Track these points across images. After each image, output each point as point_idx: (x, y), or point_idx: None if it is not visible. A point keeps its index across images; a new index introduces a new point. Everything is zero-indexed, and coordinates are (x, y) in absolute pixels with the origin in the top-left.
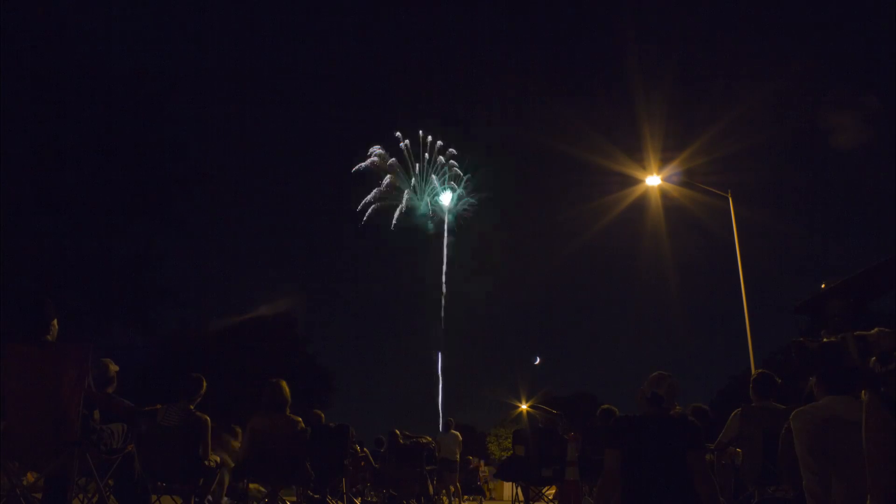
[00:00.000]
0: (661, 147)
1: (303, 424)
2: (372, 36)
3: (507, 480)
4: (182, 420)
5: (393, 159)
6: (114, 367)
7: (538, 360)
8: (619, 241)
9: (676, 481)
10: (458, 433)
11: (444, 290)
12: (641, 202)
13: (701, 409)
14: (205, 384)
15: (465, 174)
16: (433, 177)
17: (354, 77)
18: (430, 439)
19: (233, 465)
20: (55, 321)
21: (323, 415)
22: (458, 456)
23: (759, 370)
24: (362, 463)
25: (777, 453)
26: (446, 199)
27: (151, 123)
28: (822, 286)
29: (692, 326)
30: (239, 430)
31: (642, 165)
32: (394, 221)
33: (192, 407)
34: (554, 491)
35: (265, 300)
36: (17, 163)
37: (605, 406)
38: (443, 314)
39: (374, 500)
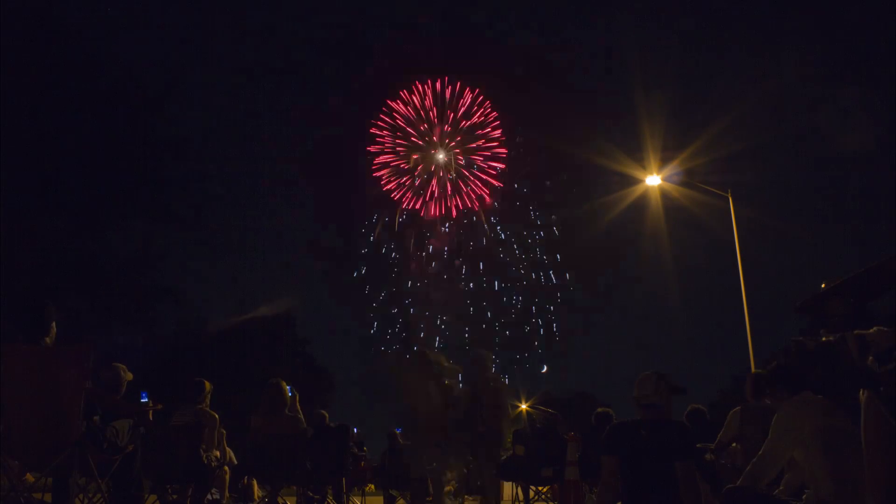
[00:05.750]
0: (661, 147)
1: (304, 424)
2: (365, 39)
3: (507, 480)
4: (192, 418)
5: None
6: (127, 375)
7: (545, 368)
8: (619, 241)
9: (669, 488)
10: None
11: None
12: (641, 202)
13: (698, 410)
14: (208, 385)
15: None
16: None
17: (354, 78)
18: None
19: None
20: (54, 324)
21: (327, 414)
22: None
23: (749, 373)
24: (362, 463)
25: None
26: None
27: (151, 123)
28: (822, 286)
29: (692, 326)
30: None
31: (642, 165)
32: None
33: (198, 408)
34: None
35: (265, 300)
36: (17, 163)
37: (602, 409)
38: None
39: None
